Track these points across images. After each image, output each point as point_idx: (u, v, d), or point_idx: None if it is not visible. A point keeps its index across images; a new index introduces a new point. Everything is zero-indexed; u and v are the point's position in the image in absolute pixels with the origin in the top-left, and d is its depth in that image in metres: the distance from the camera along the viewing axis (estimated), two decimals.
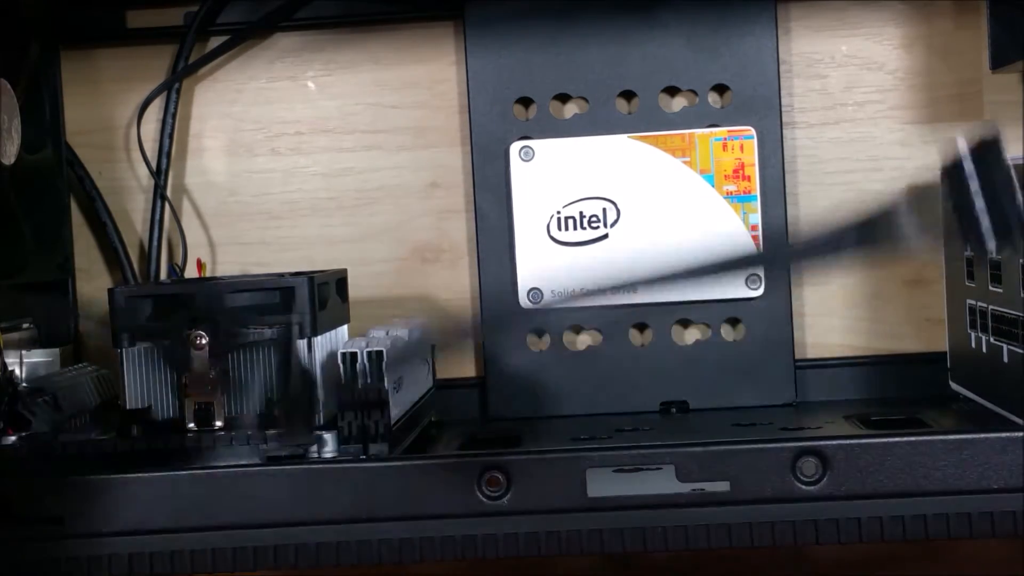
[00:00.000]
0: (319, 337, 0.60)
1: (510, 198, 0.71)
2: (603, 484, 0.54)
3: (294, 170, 0.77)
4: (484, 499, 0.54)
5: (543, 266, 0.70)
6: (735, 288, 0.70)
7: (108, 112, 0.77)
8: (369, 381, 0.56)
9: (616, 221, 0.70)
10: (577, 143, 0.70)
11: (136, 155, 0.76)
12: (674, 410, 0.71)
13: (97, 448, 0.55)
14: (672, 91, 0.71)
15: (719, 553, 0.54)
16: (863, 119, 0.74)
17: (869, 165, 0.74)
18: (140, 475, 0.54)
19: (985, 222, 0.39)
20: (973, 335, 0.64)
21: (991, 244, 0.40)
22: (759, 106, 0.70)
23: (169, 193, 0.76)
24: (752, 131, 0.70)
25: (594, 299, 0.69)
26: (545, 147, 0.70)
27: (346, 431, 0.56)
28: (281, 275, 0.64)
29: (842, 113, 0.74)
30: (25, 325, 0.69)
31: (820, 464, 0.53)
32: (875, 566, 0.75)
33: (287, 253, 0.77)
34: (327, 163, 0.77)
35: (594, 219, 0.70)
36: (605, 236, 0.70)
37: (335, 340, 0.64)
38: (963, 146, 0.39)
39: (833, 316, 0.74)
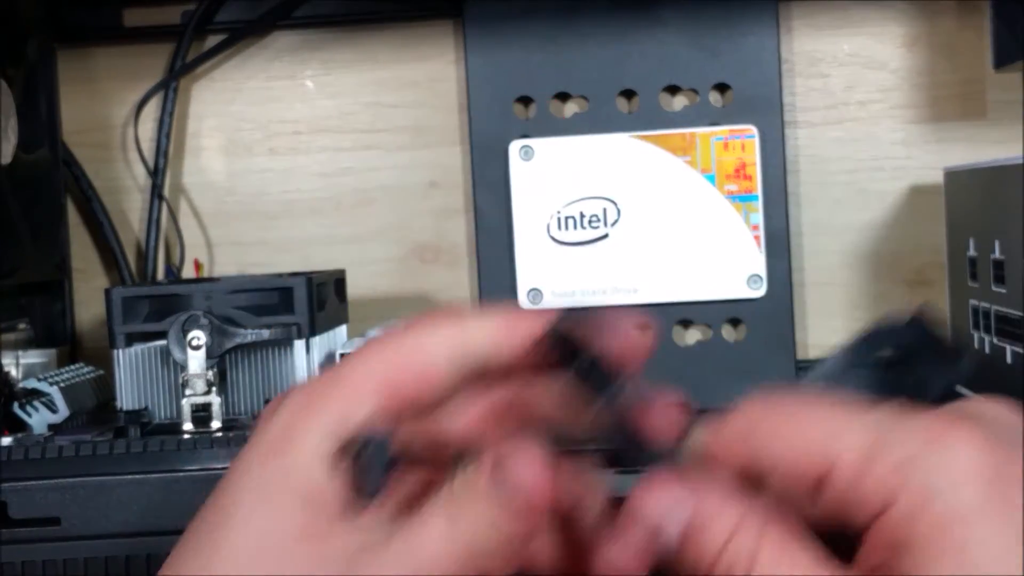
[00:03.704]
0: (317, 337, 0.60)
1: (510, 198, 0.70)
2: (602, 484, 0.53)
3: (292, 170, 0.76)
4: None
5: (543, 266, 0.70)
6: (736, 288, 0.69)
7: (105, 111, 0.77)
8: None
9: (616, 221, 0.70)
10: (577, 142, 0.70)
11: (133, 154, 0.76)
12: None
13: (94, 449, 0.54)
14: (673, 90, 0.71)
15: None
16: (865, 118, 0.74)
17: (871, 165, 0.74)
18: (137, 476, 0.53)
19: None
20: (976, 336, 0.63)
21: None
22: (761, 105, 0.70)
23: (166, 193, 0.76)
24: (754, 130, 0.69)
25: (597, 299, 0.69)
26: (545, 146, 0.70)
27: None
28: (279, 275, 0.64)
29: (844, 112, 0.74)
30: (21, 325, 0.69)
31: None
32: None
33: (285, 253, 0.76)
34: (325, 163, 0.76)
35: (594, 219, 0.70)
36: (605, 236, 0.70)
37: (333, 340, 0.63)
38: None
39: (835, 317, 0.74)
